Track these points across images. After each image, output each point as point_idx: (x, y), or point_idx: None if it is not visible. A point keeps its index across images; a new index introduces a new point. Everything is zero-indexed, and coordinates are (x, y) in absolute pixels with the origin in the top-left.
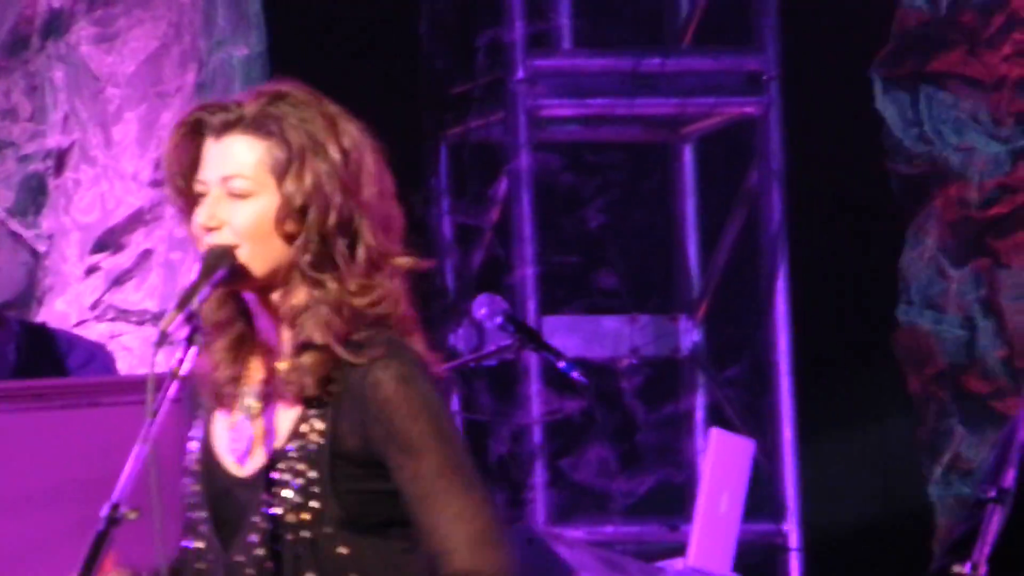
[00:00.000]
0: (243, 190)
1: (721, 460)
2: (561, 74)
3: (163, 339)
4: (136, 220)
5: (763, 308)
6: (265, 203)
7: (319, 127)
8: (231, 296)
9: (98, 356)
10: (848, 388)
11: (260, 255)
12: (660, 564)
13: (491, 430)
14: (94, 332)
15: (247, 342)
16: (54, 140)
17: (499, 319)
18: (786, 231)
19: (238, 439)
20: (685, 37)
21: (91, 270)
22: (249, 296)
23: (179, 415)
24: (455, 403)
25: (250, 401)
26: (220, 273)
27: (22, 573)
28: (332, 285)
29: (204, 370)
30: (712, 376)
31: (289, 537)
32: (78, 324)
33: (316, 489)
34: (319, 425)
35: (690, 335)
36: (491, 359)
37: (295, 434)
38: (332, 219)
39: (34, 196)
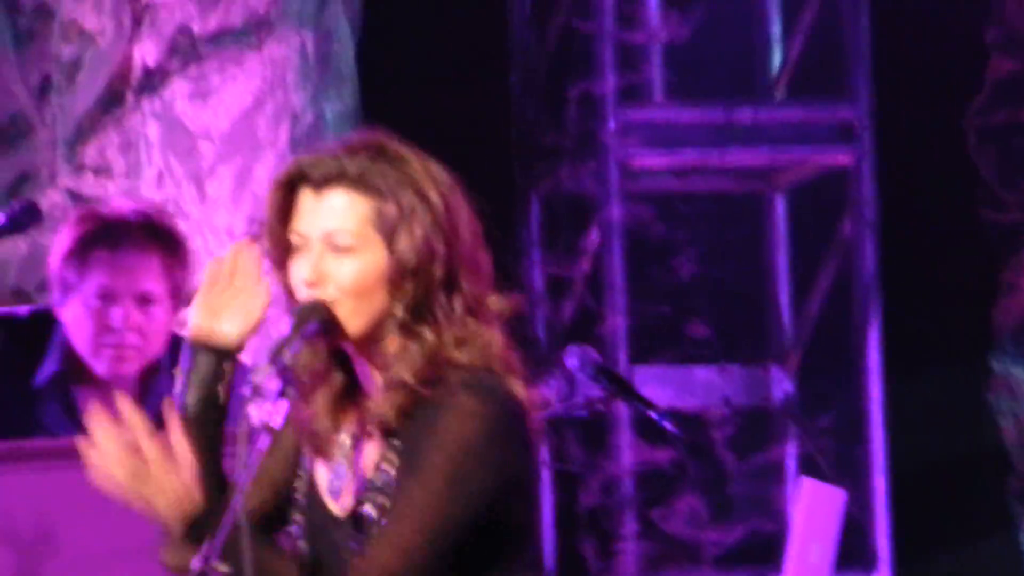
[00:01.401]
0: (348, 245)
1: (812, 510)
2: (652, 125)
3: (256, 392)
4: None
5: (855, 358)
6: (370, 259)
7: (422, 180)
8: (330, 346)
9: None
10: (941, 438)
11: (360, 310)
12: None
13: (581, 481)
14: None
15: (346, 390)
16: (149, 196)
17: (590, 370)
18: (879, 281)
19: (337, 479)
20: (777, 88)
21: (182, 325)
22: (347, 345)
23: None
24: (544, 453)
25: (345, 441)
26: (312, 327)
27: None
28: (429, 337)
29: (303, 419)
30: (804, 426)
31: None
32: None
33: None
34: (394, 457)
35: (782, 385)
36: (582, 410)
37: (377, 468)
38: (439, 273)
39: None
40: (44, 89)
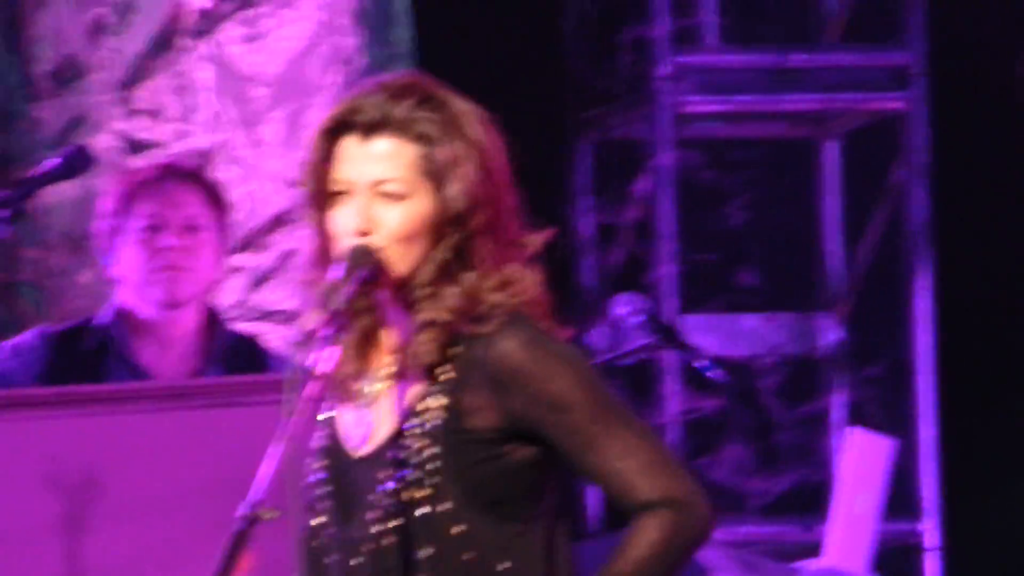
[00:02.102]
0: (397, 192)
1: (860, 460)
2: (705, 70)
3: (306, 338)
4: (280, 221)
5: (905, 306)
6: (418, 206)
7: (465, 124)
8: (361, 291)
9: None
10: (992, 387)
11: (406, 255)
12: (796, 564)
13: None
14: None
15: (373, 336)
16: (201, 140)
17: (639, 318)
18: (931, 228)
19: (360, 425)
20: (831, 32)
21: (234, 270)
22: (382, 289)
23: (315, 413)
24: None
25: (371, 388)
26: (363, 272)
27: (163, 573)
28: (471, 279)
29: (334, 363)
30: (852, 375)
31: (407, 514)
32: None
33: (436, 465)
34: (442, 400)
35: (830, 333)
36: (629, 358)
37: (415, 412)
38: (483, 216)
39: None
40: (97, 31)
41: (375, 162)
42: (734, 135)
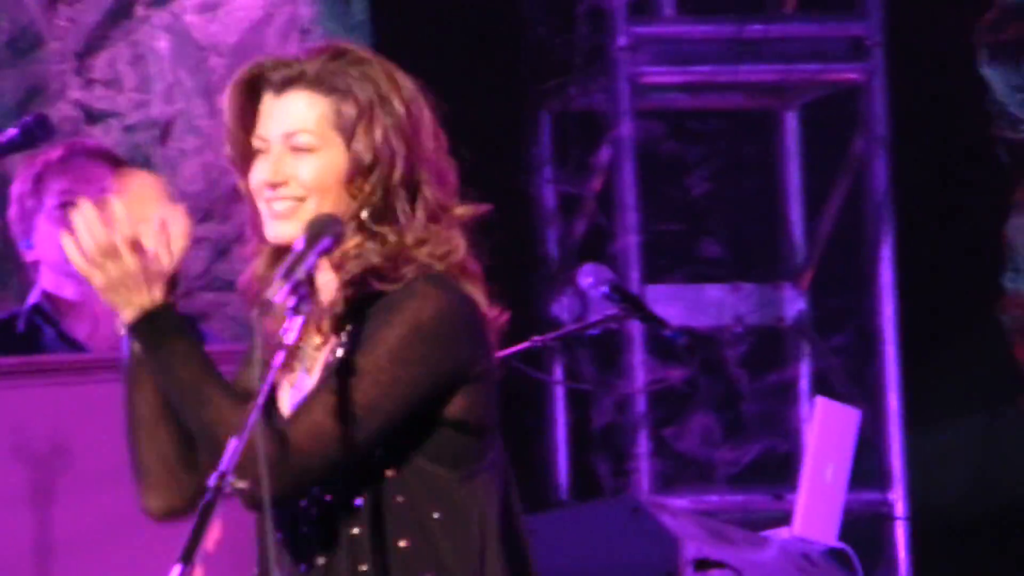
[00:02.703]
0: (308, 144)
1: (826, 429)
2: (663, 41)
3: (268, 308)
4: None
5: (868, 276)
6: (330, 158)
7: (382, 82)
8: (283, 259)
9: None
10: (954, 356)
11: (324, 210)
12: (765, 533)
13: (594, 400)
14: (201, 302)
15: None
16: (159, 110)
17: (604, 288)
18: (891, 198)
19: (298, 391)
20: (789, 3)
21: (197, 240)
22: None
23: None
24: (558, 373)
25: (307, 355)
26: (325, 242)
27: (131, 542)
28: (392, 238)
29: (266, 335)
30: (817, 345)
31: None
32: (185, 294)
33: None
34: (343, 347)
35: (794, 303)
36: (595, 328)
37: (327, 367)
38: (397, 174)
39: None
40: (53, 1)
41: (287, 116)
42: (694, 106)
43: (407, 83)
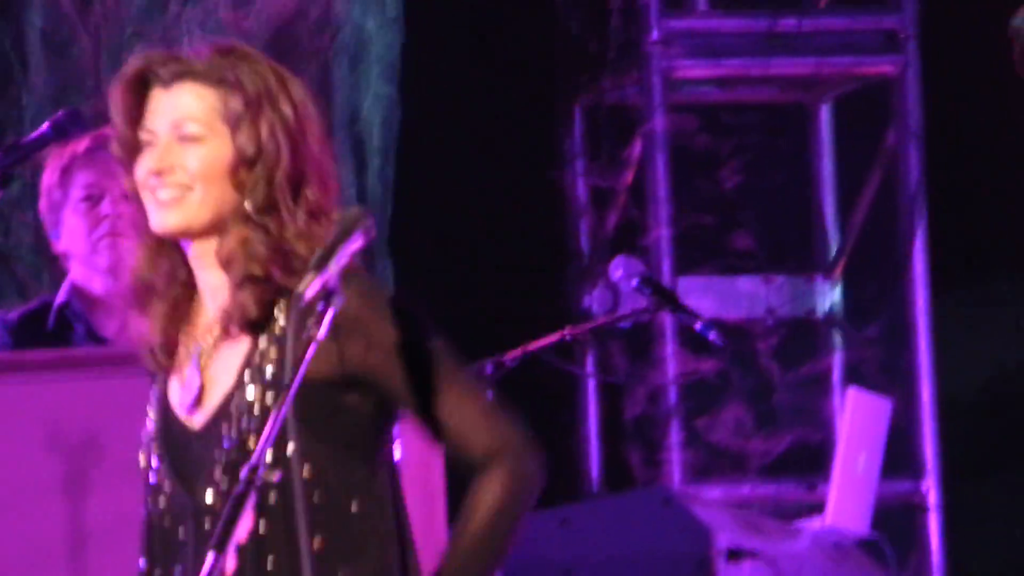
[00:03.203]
0: (195, 134)
1: (858, 419)
2: (696, 35)
3: (298, 302)
4: None
5: (901, 267)
6: (217, 148)
7: (271, 80)
8: (167, 256)
9: None
10: (987, 347)
11: (209, 200)
12: (797, 524)
13: (626, 391)
14: None
15: (187, 300)
16: None
17: (636, 281)
18: (924, 190)
19: (188, 391)
20: None
21: None
22: (189, 247)
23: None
24: (590, 365)
25: (197, 351)
26: (356, 237)
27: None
28: (273, 228)
29: (147, 334)
30: (849, 336)
31: (252, 464)
32: None
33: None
34: (273, 353)
35: (827, 295)
36: (627, 321)
37: (248, 365)
38: (281, 170)
39: None
40: None
41: (176, 106)
42: (727, 99)
43: (297, 87)
